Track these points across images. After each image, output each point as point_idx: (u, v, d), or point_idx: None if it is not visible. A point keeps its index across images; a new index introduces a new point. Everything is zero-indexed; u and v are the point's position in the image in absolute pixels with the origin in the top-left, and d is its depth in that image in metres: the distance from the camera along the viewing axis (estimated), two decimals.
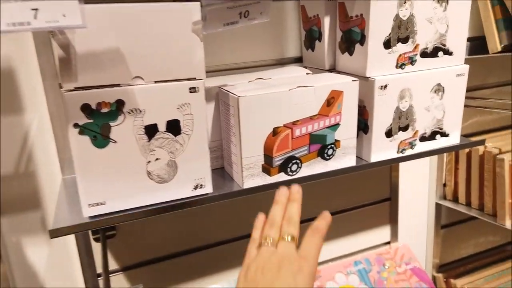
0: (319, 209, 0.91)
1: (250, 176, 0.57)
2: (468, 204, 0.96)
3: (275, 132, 0.57)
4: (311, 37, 0.73)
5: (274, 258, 0.42)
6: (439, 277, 1.06)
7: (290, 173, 0.60)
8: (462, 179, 0.96)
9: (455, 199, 0.99)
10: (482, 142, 0.74)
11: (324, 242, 0.44)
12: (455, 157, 0.97)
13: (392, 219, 0.98)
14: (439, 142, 0.71)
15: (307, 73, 0.69)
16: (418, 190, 1.01)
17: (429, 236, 1.06)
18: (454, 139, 0.72)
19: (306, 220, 0.87)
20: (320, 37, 0.70)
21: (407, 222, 1.02)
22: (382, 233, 0.99)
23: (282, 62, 0.78)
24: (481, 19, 0.87)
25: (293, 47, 0.78)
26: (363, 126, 0.66)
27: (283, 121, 0.57)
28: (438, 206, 1.02)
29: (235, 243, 0.85)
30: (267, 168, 0.58)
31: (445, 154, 0.99)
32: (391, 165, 0.95)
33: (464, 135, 1.01)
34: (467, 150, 0.93)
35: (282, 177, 0.60)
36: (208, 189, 0.55)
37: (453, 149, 0.72)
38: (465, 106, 0.96)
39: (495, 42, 0.86)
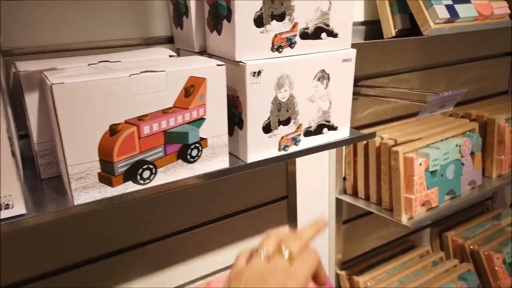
0: (208, 213, 0.81)
1: (83, 188, 0.44)
2: (367, 198, 0.92)
3: (114, 130, 0.44)
4: (178, 12, 0.60)
5: (261, 271, 0.39)
6: (342, 275, 1.02)
7: (142, 182, 0.48)
8: (361, 172, 0.91)
9: (355, 193, 0.94)
10: (372, 135, 0.68)
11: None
12: (353, 150, 0.92)
13: (291, 218, 0.91)
14: (327, 137, 0.63)
15: (170, 56, 0.57)
16: (317, 184, 0.95)
17: (331, 232, 1.01)
18: (343, 132, 0.65)
19: (189, 229, 0.75)
20: (187, 12, 0.58)
21: (307, 220, 0.95)
22: None
23: (149, 43, 0.65)
24: (376, 1, 0.82)
25: (162, 25, 0.65)
26: (238, 120, 0.56)
27: (124, 117, 0.44)
28: (338, 201, 0.97)
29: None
30: (107, 178, 0.45)
31: (344, 147, 0.93)
32: (287, 161, 0.87)
33: (362, 126, 0.97)
34: (364, 142, 0.88)
35: (130, 187, 0.47)
36: (18, 209, 0.41)
37: (342, 144, 0.65)
38: (363, 95, 0.92)
39: (389, 26, 0.81)
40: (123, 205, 0.70)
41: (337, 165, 0.95)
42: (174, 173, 0.50)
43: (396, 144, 0.82)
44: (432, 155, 0.80)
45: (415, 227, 0.80)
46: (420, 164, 0.79)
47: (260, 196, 0.86)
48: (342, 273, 1.02)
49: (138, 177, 0.48)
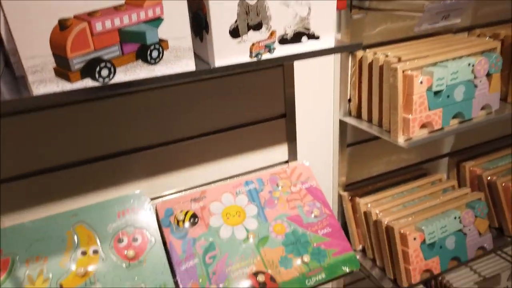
0: (207, 125, 0.83)
1: (40, 82, 0.47)
2: (370, 120, 0.89)
3: (63, 25, 0.45)
4: None
5: None
6: (345, 196, 1.03)
7: (101, 80, 0.50)
8: (365, 93, 0.87)
9: (359, 116, 0.91)
10: (359, 46, 0.64)
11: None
12: (358, 69, 0.87)
13: (290, 137, 0.91)
14: (307, 45, 0.61)
15: None
16: (321, 106, 0.93)
17: (334, 155, 1.00)
18: (326, 42, 0.62)
19: (188, 138, 0.78)
20: None
21: (308, 141, 0.95)
22: (280, 152, 0.93)
23: None
24: None
25: None
26: (204, 24, 0.55)
27: (73, 11, 0.45)
28: (342, 124, 0.95)
29: (112, 160, 0.77)
30: (64, 73, 0.48)
31: (349, 66, 0.89)
32: (284, 79, 0.85)
33: (372, 45, 0.91)
34: (369, 60, 0.83)
35: (89, 83, 0.50)
36: None
37: (322, 54, 0.62)
38: (372, 9, 0.85)
39: None
40: (119, 109, 0.74)
41: (341, 86, 0.91)
42: (134, 73, 0.52)
43: (399, 62, 0.77)
44: (437, 74, 0.74)
45: (409, 146, 0.77)
46: (421, 83, 0.74)
47: (259, 112, 0.87)
48: (345, 194, 1.03)
49: (97, 75, 0.50)
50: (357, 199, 0.99)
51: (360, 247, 1.05)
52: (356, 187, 1.05)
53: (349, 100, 0.93)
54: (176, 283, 0.78)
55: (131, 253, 0.75)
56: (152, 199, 0.84)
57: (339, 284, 1.19)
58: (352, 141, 1.00)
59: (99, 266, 0.74)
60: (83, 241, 0.75)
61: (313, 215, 0.89)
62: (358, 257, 1.04)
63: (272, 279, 0.81)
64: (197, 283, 0.78)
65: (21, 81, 0.52)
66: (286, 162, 0.94)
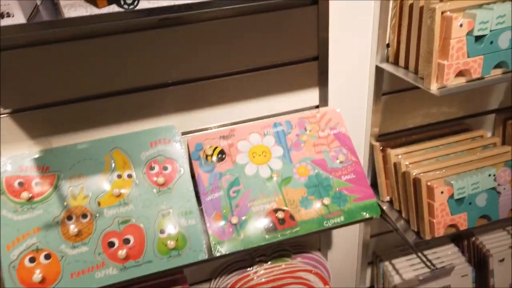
0: (240, 65, 0.84)
1: (70, 6, 0.51)
2: (407, 67, 0.85)
3: None
4: None
5: None
6: (376, 146, 1.01)
7: (126, 6, 0.53)
8: (404, 37, 0.83)
9: (397, 62, 0.88)
10: None
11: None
12: (399, 12, 0.83)
13: (321, 82, 0.90)
14: None
15: None
16: (357, 50, 0.90)
17: (368, 103, 0.98)
18: None
19: (215, 76, 0.81)
20: None
21: (341, 86, 0.94)
22: (311, 96, 0.93)
23: None
24: None
25: None
26: None
27: None
28: (379, 70, 0.92)
29: (148, 92, 0.82)
30: None
31: (390, 7, 0.84)
32: (319, 19, 0.83)
33: None
34: (410, 1, 0.78)
35: (115, 9, 0.53)
36: (18, 18, 0.50)
37: None
38: None
39: None
40: (157, 43, 0.78)
41: (380, 30, 0.88)
42: (158, 1, 0.54)
43: (440, 2, 0.72)
44: (480, 17, 0.69)
45: (442, 94, 0.73)
46: (461, 26, 0.69)
47: (291, 54, 0.86)
48: (376, 144, 1.01)
49: (122, 2, 0.52)
50: (388, 150, 0.98)
51: (387, 198, 1.04)
52: (388, 138, 1.03)
53: (388, 45, 0.89)
54: (201, 211, 0.84)
55: (161, 180, 0.82)
56: (184, 133, 0.88)
57: (365, 235, 1.21)
58: (388, 90, 0.97)
59: (132, 189, 0.81)
60: (119, 165, 0.82)
61: (338, 161, 0.89)
62: (384, 207, 1.04)
63: (291, 217, 0.84)
64: (220, 213, 0.83)
65: (58, 7, 0.56)
66: (317, 107, 0.94)
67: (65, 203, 0.78)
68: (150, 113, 0.85)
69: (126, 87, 0.81)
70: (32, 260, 0.75)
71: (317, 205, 0.85)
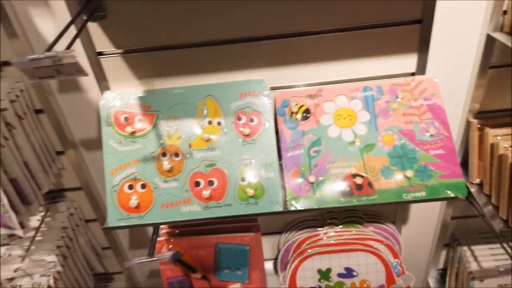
0: (335, 23, 0.83)
1: None
2: None
3: None
4: None
5: None
6: (473, 123, 0.94)
7: None
8: None
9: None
10: None
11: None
12: None
13: (422, 47, 0.85)
14: None
15: None
16: (467, 15, 0.82)
17: (472, 76, 0.90)
18: None
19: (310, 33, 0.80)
20: None
21: (443, 54, 0.87)
22: (408, 62, 0.88)
23: None
24: None
25: None
26: None
27: None
28: (489, 40, 0.83)
29: (243, 45, 0.85)
30: None
31: None
32: None
33: None
34: None
35: None
36: None
37: None
38: None
39: None
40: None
41: None
42: None
43: None
44: None
45: None
46: None
47: (391, 14, 0.82)
48: (474, 121, 0.94)
49: None
50: (487, 129, 0.90)
51: (477, 181, 0.98)
52: (489, 117, 0.95)
53: (504, 12, 0.80)
54: (280, 165, 0.87)
55: (247, 130, 0.86)
56: (272, 88, 0.91)
57: (446, 216, 1.15)
58: (496, 63, 0.88)
59: (220, 136, 0.87)
60: (210, 112, 0.87)
61: (428, 134, 0.85)
62: (472, 190, 0.98)
63: (369, 184, 0.83)
64: (299, 170, 0.86)
65: None
66: (412, 74, 0.89)
67: (161, 141, 0.86)
68: (243, 65, 0.88)
69: (224, 38, 0.84)
70: (130, 187, 0.85)
71: (398, 176, 0.83)
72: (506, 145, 0.86)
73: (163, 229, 1.10)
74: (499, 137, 0.89)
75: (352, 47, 0.86)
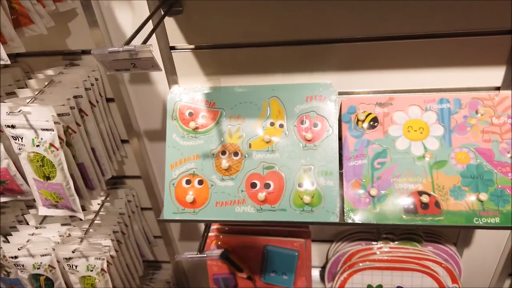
0: (415, 28, 0.78)
1: None
2: None
3: None
4: None
5: None
6: None
7: None
8: None
9: None
10: None
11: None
12: None
13: (511, 60, 0.78)
14: None
15: None
16: None
17: None
18: None
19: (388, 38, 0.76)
20: None
21: None
22: (492, 75, 0.81)
23: None
24: None
25: None
26: None
27: None
28: None
29: (313, 46, 0.83)
30: None
31: None
32: None
33: None
34: None
35: None
36: None
37: None
38: None
39: None
40: None
41: None
42: None
43: None
44: None
45: None
46: None
47: (477, 22, 0.75)
48: None
49: None
50: None
51: None
52: None
53: None
54: (341, 174, 0.83)
55: (309, 135, 0.83)
56: (340, 93, 0.87)
57: None
58: None
59: (281, 139, 0.85)
60: (274, 114, 0.86)
61: (509, 155, 0.78)
62: None
63: (436, 203, 0.78)
64: (360, 181, 0.82)
65: None
66: (497, 89, 0.82)
67: (222, 139, 0.86)
68: (311, 67, 0.86)
69: (294, 38, 0.82)
70: (188, 182, 0.86)
71: (470, 198, 0.77)
72: None
73: (214, 225, 1.10)
74: None
75: (430, 55, 0.80)
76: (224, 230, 1.10)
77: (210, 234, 1.08)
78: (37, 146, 0.78)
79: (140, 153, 1.05)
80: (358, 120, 0.85)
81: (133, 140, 1.03)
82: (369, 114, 0.85)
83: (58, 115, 0.78)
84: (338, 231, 1.15)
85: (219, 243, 1.08)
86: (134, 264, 1.15)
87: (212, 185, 0.85)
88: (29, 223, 1.05)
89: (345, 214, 0.80)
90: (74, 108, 0.82)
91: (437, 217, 0.77)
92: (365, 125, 0.85)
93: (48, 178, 0.81)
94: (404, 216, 0.78)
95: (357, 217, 0.80)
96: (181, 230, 1.25)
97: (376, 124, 0.85)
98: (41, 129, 0.76)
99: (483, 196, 0.76)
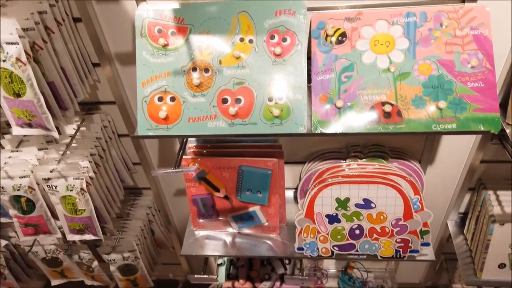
0: None
1: None
2: None
3: None
4: None
5: None
6: None
7: None
8: None
9: None
10: None
11: None
12: None
13: None
14: None
15: None
16: None
17: None
18: None
19: None
20: None
21: None
22: None
23: None
24: None
25: None
26: None
27: None
28: None
29: None
30: None
31: None
32: None
33: None
34: None
35: None
36: None
37: None
38: None
39: None
40: None
41: None
42: None
43: None
44: None
45: None
46: None
47: None
48: None
49: None
50: None
51: None
52: None
53: None
54: (309, 88, 0.86)
55: (278, 50, 0.84)
56: (309, 9, 0.87)
57: (475, 160, 1.13)
58: None
59: (251, 55, 0.86)
60: (243, 29, 0.86)
61: (469, 65, 0.81)
62: (508, 131, 0.94)
63: (398, 113, 0.82)
64: (327, 95, 0.85)
65: None
66: (462, 1, 0.83)
67: (192, 56, 0.86)
68: None
69: None
70: (160, 99, 0.87)
71: (430, 107, 0.81)
72: None
73: (190, 148, 1.13)
74: None
75: None
76: (200, 152, 1.13)
77: (186, 156, 1.11)
78: (4, 61, 0.77)
79: (113, 78, 1.05)
80: (327, 35, 0.86)
81: (104, 63, 1.02)
82: (338, 29, 0.86)
83: (23, 29, 0.77)
84: (310, 152, 1.20)
85: (196, 165, 1.12)
86: (115, 188, 1.19)
87: (184, 102, 0.87)
88: (4, 147, 1.06)
89: (312, 126, 0.84)
90: (39, 24, 0.80)
91: (398, 125, 0.81)
92: (334, 39, 0.86)
93: (18, 95, 0.81)
94: (368, 126, 0.82)
95: (324, 128, 0.83)
96: (160, 156, 1.29)
97: (344, 39, 0.86)
98: (6, 42, 0.75)
99: (442, 104, 0.80)
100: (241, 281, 1.47)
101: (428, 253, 1.12)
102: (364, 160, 1.11)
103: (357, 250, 1.12)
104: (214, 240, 1.23)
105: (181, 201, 1.42)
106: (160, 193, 1.37)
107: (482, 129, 0.78)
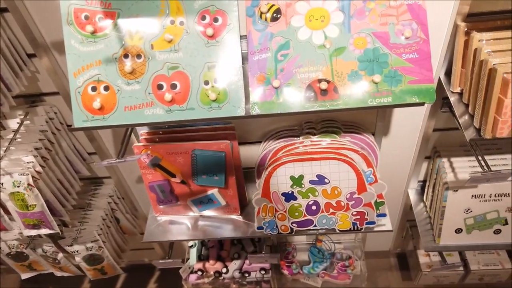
0: None
1: None
2: None
3: None
4: None
5: None
6: (460, 27, 0.87)
7: None
8: None
9: None
10: None
11: None
12: None
13: None
14: None
15: None
16: None
17: None
18: None
19: None
20: None
21: None
22: None
23: None
24: None
25: None
26: None
27: None
28: None
29: None
30: None
31: None
32: None
33: None
34: None
35: None
36: None
37: None
38: None
39: None
40: None
41: None
42: None
43: None
44: None
45: None
46: None
47: None
48: (461, 24, 0.87)
49: None
50: (473, 33, 0.84)
51: (458, 89, 0.93)
52: (479, 20, 0.87)
53: None
54: (244, 69, 0.84)
55: (210, 31, 0.81)
56: None
57: (428, 128, 1.13)
58: None
59: (183, 37, 0.83)
60: (173, 10, 0.82)
61: (403, 36, 0.79)
62: (452, 99, 0.94)
63: (335, 89, 0.80)
64: (265, 74, 0.83)
65: None
66: None
67: (123, 42, 0.83)
68: None
69: None
70: (93, 89, 0.84)
71: (366, 81, 0.79)
72: (489, 50, 0.80)
73: (143, 136, 1.11)
74: (483, 41, 0.82)
75: None
76: (152, 139, 1.11)
77: (138, 144, 1.09)
78: None
79: (53, 68, 1.02)
80: (261, 12, 0.83)
81: (41, 54, 0.98)
82: (272, 5, 0.83)
83: None
84: (265, 131, 1.19)
85: (149, 152, 1.10)
86: (69, 180, 1.17)
87: (118, 90, 0.84)
88: None
89: (250, 107, 0.82)
90: None
91: (335, 102, 0.80)
92: (268, 16, 0.83)
93: None
94: (305, 104, 0.81)
95: (262, 109, 0.82)
96: (115, 146, 1.27)
97: (279, 15, 0.83)
98: None
99: (377, 78, 0.78)
100: (211, 261, 1.48)
101: (386, 223, 1.13)
102: (317, 136, 1.10)
103: (315, 226, 1.12)
104: (177, 224, 1.23)
105: (143, 187, 1.41)
106: (122, 181, 1.36)
107: (417, 101, 0.78)
